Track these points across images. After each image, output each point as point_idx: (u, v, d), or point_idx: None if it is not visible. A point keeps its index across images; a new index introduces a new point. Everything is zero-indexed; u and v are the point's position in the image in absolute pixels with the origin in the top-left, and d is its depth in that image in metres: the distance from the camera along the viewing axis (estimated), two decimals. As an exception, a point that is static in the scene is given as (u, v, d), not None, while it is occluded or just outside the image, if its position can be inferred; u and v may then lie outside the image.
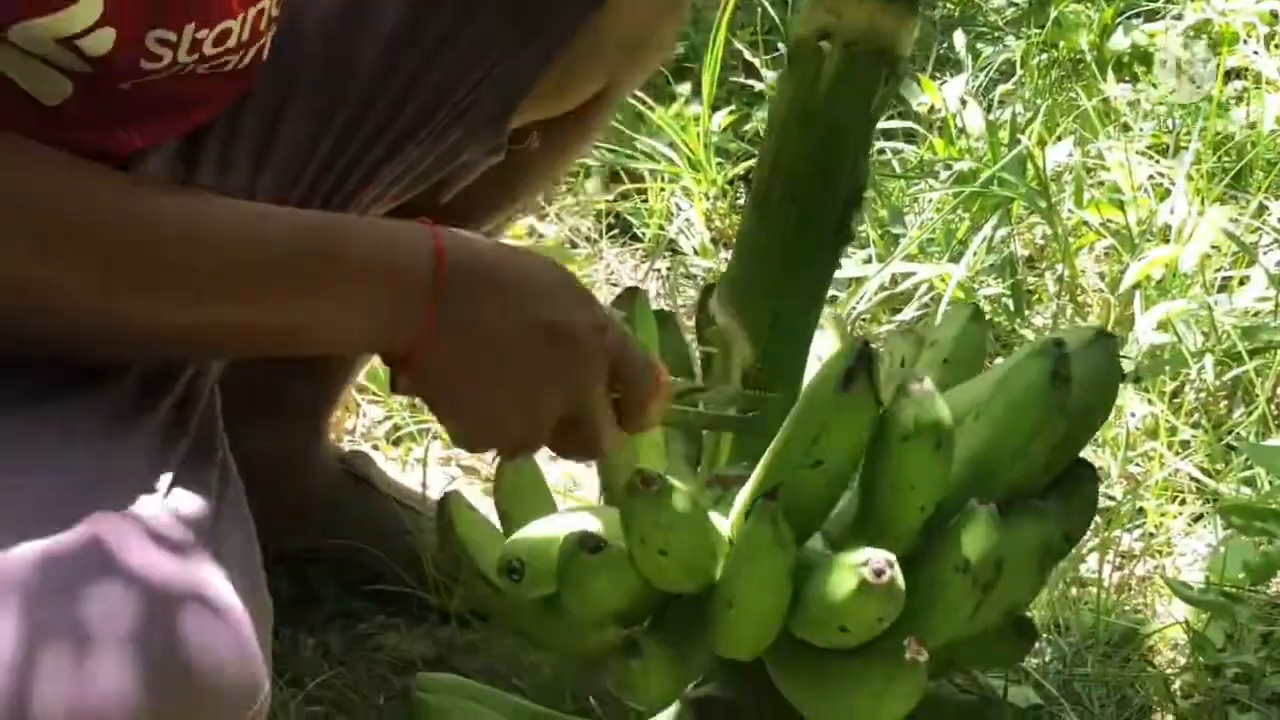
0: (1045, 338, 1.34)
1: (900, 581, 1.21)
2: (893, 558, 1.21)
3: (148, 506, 1.07)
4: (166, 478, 1.11)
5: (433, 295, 1.15)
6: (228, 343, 1.18)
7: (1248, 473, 1.89)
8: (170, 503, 1.09)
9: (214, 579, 1.06)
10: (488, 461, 1.91)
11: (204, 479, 1.14)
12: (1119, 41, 2.72)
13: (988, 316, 2.10)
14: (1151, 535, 1.83)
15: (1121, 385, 1.90)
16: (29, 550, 1.00)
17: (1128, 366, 1.97)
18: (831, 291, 2.19)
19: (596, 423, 1.22)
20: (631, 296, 1.45)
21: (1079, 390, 1.30)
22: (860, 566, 1.20)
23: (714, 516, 1.29)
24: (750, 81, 2.61)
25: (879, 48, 1.30)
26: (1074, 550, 1.74)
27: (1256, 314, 2.10)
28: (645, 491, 1.23)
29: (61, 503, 1.04)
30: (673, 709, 1.39)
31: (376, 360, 1.97)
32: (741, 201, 2.37)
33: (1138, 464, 1.93)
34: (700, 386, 1.35)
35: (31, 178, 1.08)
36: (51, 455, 1.09)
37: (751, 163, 2.33)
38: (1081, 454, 1.35)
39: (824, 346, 1.44)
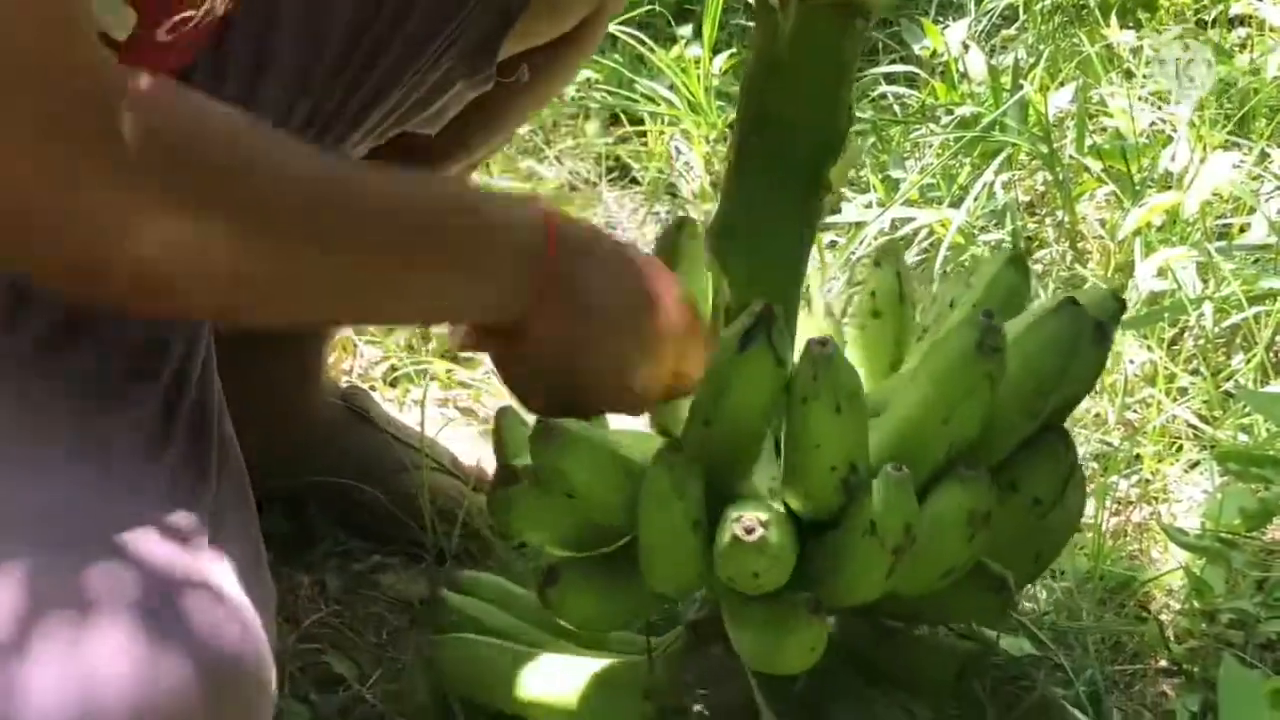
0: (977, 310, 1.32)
1: (774, 539, 1.21)
2: (766, 516, 1.22)
3: (147, 491, 1.07)
4: (167, 456, 1.11)
5: (547, 264, 1.19)
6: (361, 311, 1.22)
7: (1245, 419, 1.89)
8: (169, 485, 1.09)
9: (215, 566, 1.05)
10: (485, 404, 1.91)
11: (203, 455, 1.14)
12: (1123, -14, 2.71)
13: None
14: (1148, 481, 1.83)
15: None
16: (29, 532, 0.99)
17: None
18: (831, 236, 2.20)
19: (654, 390, 1.27)
20: (680, 228, 1.45)
21: (1035, 356, 1.27)
22: (734, 523, 1.22)
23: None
24: (752, 24, 2.60)
25: (841, 1, 1.27)
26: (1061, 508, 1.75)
27: (1256, 261, 2.10)
28: (544, 440, 1.25)
29: (54, 487, 1.03)
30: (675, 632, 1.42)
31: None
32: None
33: (1135, 410, 1.93)
34: None
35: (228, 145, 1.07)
36: (41, 434, 1.07)
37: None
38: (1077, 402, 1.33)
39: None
